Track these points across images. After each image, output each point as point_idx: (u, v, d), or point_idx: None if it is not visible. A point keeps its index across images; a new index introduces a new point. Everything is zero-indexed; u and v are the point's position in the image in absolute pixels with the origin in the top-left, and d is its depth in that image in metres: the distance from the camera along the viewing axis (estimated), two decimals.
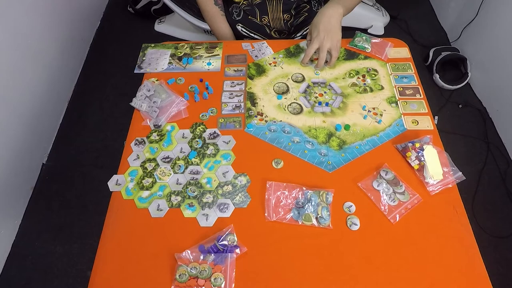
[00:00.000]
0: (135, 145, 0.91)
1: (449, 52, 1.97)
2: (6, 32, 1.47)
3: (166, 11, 2.27)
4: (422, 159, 0.83)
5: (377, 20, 2.21)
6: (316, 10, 1.16)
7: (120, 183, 0.84)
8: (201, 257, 0.72)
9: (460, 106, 1.91)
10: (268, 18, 1.11)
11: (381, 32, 2.20)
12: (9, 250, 1.52)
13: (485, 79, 1.90)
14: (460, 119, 1.88)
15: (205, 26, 2.04)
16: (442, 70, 2.00)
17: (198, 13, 2.10)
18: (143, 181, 0.85)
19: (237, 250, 0.73)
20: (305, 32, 1.21)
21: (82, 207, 1.63)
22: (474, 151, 1.76)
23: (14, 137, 1.54)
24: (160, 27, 2.32)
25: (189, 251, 0.72)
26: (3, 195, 1.48)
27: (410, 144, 0.86)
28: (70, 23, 1.98)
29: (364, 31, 2.13)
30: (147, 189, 0.83)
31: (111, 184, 0.85)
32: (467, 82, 1.96)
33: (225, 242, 0.73)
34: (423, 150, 0.84)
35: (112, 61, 2.19)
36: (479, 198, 1.62)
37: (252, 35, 1.20)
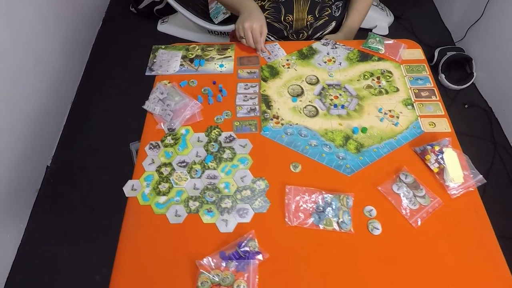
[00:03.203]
0: (149, 149, 0.89)
1: (454, 52, 1.97)
2: (9, 34, 1.45)
3: (169, 11, 2.24)
4: (442, 162, 0.83)
5: (382, 20, 2.21)
6: (335, 15, 1.16)
7: (135, 188, 0.83)
8: (223, 264, 0.71)
9: (466, 106, 1.91)
10: (292, 17, 1.10)
11: (386, 32, 2.20)
12: (15, 254, 1.49)
13: (490, 79, 1.89)
14: (466, 120, 1.87)
15: (209, 26, 2.03)
16: (447, 70, 2.00)
17: (201, 13, 2.08)
18: (159, 186, 0.83)
19: (259, 256, 0.71)
20: (321, 36, 1.20)
21: (87, 209, 1.61)
22: (480, 152, 1.76)
23: (18, 140, 1.52)
24: (163, 27, 2.30)
25: (210, 258, 0.71)
26: (8, 198, 1.45)
27: (429, 147, 0.86)
28: (72, 23, 1.96)
29: (369, 31, 2.12)
30: (164, 195, 0.82)
31: (127, 189, 0.83)
32: (473, 82, 1.96)
33: (246, 248, 0.72)
34: (442, 153, 0.83)
35: (114, 61, 2.16)
36: (486, 198, 1.59)
37: (269, 36, 1.18)
